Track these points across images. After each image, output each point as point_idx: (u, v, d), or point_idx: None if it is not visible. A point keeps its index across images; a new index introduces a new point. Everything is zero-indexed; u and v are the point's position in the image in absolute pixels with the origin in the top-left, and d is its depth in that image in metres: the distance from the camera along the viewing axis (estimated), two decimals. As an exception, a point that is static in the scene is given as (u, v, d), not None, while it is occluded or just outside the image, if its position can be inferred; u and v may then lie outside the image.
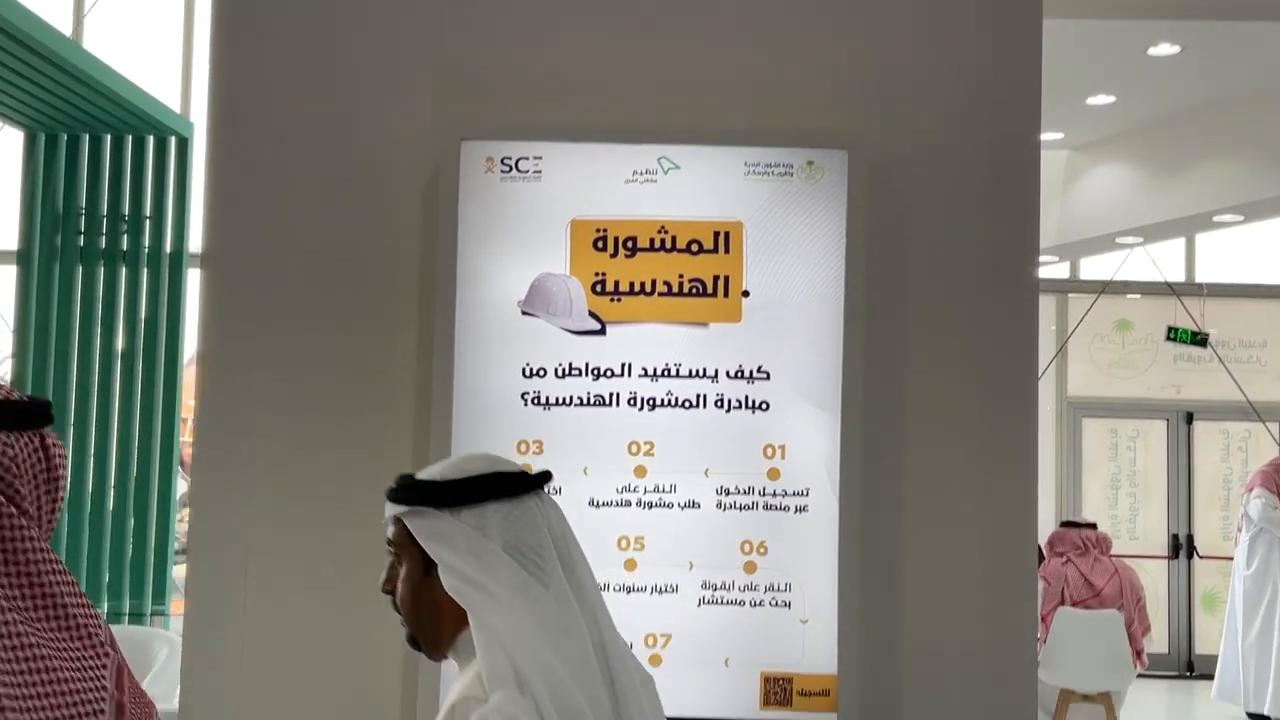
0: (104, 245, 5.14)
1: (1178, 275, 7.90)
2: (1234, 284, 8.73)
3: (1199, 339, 7.17)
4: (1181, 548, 8.08)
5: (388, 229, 2.14)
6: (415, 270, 2.13)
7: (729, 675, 1.99)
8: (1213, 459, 8.53)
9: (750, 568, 2.01)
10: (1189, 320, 7.26)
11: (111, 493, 4.59)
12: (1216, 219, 7.41)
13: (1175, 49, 5.62)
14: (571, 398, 2.03)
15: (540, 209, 2.04)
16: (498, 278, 2.03)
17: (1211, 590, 8.18)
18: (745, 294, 2.04)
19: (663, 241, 2.04)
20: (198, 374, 2.14)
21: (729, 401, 2.03)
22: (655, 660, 1.99)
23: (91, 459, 4.59)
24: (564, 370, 2.03)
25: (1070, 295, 7.98)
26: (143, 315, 4.85)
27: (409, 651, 1.25)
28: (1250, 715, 6.78)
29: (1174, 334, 7.10)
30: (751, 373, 2.03)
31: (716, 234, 2.04)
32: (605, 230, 2.03)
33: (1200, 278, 8.62)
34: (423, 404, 2.08)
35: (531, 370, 2.02)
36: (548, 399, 2.02)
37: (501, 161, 2.03)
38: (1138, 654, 4.75)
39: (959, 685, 2.10)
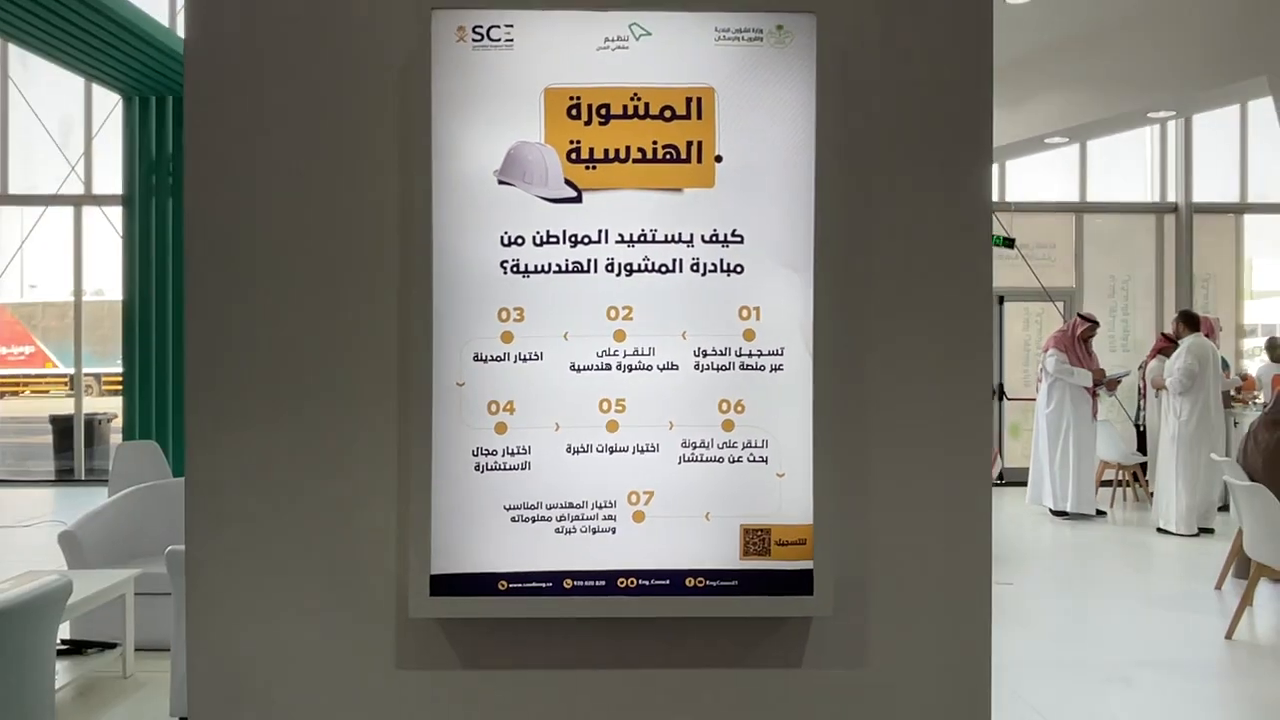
0: (187, 185, 6.47)
1: (994, 195, 11.31)
2: (1032, 201, 13.03)
3: (1008, 242, 10.13)
4: (994, 392, 11.52)
5: (362, 107, 2.15)
6: (393, 146, 2.15)
7: (709, 528, 2.08)
8: (1017, 329, 12.74)
9: (728, 426, 2.08)
10: (1001, 228, 10.42)
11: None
12: (1048, 140, 10.85)
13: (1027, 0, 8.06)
14: (550, 265, 2.07)
15: (513, 78, 2.05)
16: (473, 148, 2.05)
17: (1015, 422, 12.45)
18: (718, 159, 2.07)
19: (635, 108, 2.06)
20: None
21: (704, 265, 2.08)
22: (639, 517, 2.07)
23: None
24: (542, 238, 2.06)
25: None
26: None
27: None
28: (1053, 511, 9.81)
29: (991, 239, 10.33)
30: (726, 236, 2.07)
31: (689, 100, 2.06)
32: (579, 98, 2.05)
33: (1009, 197, 12.99)
34: (406, 277, 2.12)
35: (510, 239, 2.06)
36: (527, 267, 2.06)
37: (473, 30, 2.04)
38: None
39: (923, 530, 2.19)
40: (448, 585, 2.06)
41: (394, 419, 2.14)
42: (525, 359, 2.07)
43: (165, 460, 7.23)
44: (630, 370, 2.08)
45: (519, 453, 2.07)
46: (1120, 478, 10.71)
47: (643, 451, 2.08)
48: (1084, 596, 6.19)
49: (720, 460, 2.08)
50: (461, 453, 2.06)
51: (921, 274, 2.21)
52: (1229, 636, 5.40)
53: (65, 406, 13.99)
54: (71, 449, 13.32)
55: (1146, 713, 4.17)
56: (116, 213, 9.76)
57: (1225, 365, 10.03)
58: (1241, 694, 4.50)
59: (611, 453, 2.08)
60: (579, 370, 2.07)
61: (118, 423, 13.16)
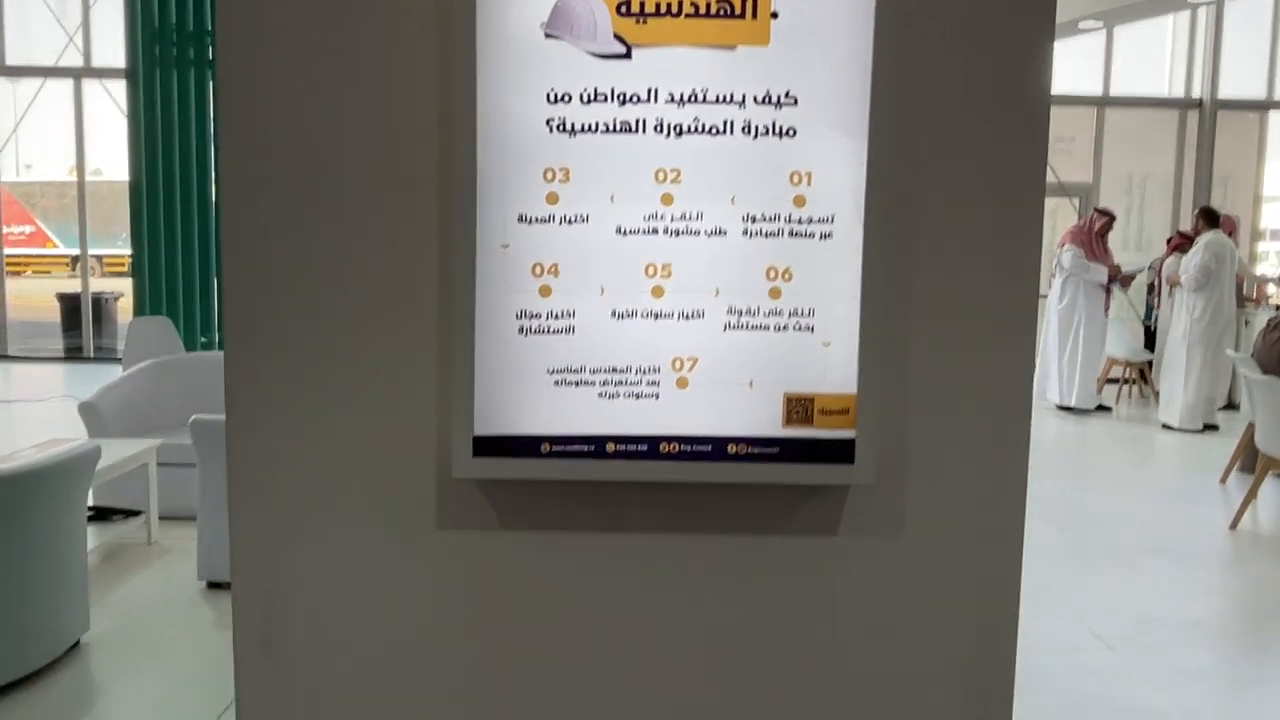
0: (193, 55, 6.67)
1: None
2: (1054, 94, 13.67)
3: None
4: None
5: (400, -46, 2.06)
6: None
7: (753, 396, 2.07)
8: (1033, 223, 12.66)
9: (775, 294, 2.06)
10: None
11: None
12: (1081, 25, 10.53)
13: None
14: (597, 124, 2.01)
15: (562, -76, 1.95)
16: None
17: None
18: (774, 15, 1.99)
19: (689, -40, 1.97)
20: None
21: (756, 128, 2.02)
22: (682, 383, 2.06)
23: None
24: (589, 96, 2.00)
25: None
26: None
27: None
28: (1058, 406, 9.76)
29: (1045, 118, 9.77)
30: (779, 98, 2.01)
31: (745, -49, 1.97)
32: (630, -53, 1.96)
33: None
34: (448, 135, 2.06)
35: (556, 96, 1.99)
36: (573, 126, 2.00)
37: None
38: None
39: (964, 404, 2.19)
40: (491, 447, 2.06)
41: (436, 281, 2.11)
42: (570, 221, 2.02)
43: (177, 335, 7.23)
44: (677, 235, 2.04)
45: (563, 316, 2.04)
46: (1126, 375, 10.75)
47: (687, 318, 2.05)
48: (1090, 488, 6.28)
49: (766, 328, 2.06)
50: (505, 316, 2.04)
51: (978, 148, 2.15)
52: (1233, 527, 5.50)
53: (69, 287, 13.96)
54: (79, 327, 13.33)
55: (1153, 596, 4.26)
56: (117, 87, 9.51)
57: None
58: (1244, 579, 4.60)
59: (656, 319, 2.05)
60: (625, 234, 2.03)
61: (123, 303, 13.16)
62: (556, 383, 2.06)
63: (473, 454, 2.06)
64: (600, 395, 2.06)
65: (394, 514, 2.18)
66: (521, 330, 2.04)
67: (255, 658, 2.21)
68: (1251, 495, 5.58)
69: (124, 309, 13.12)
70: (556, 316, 2.05)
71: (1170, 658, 3.56)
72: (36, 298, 17.28)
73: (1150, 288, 11.42)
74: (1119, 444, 7.84)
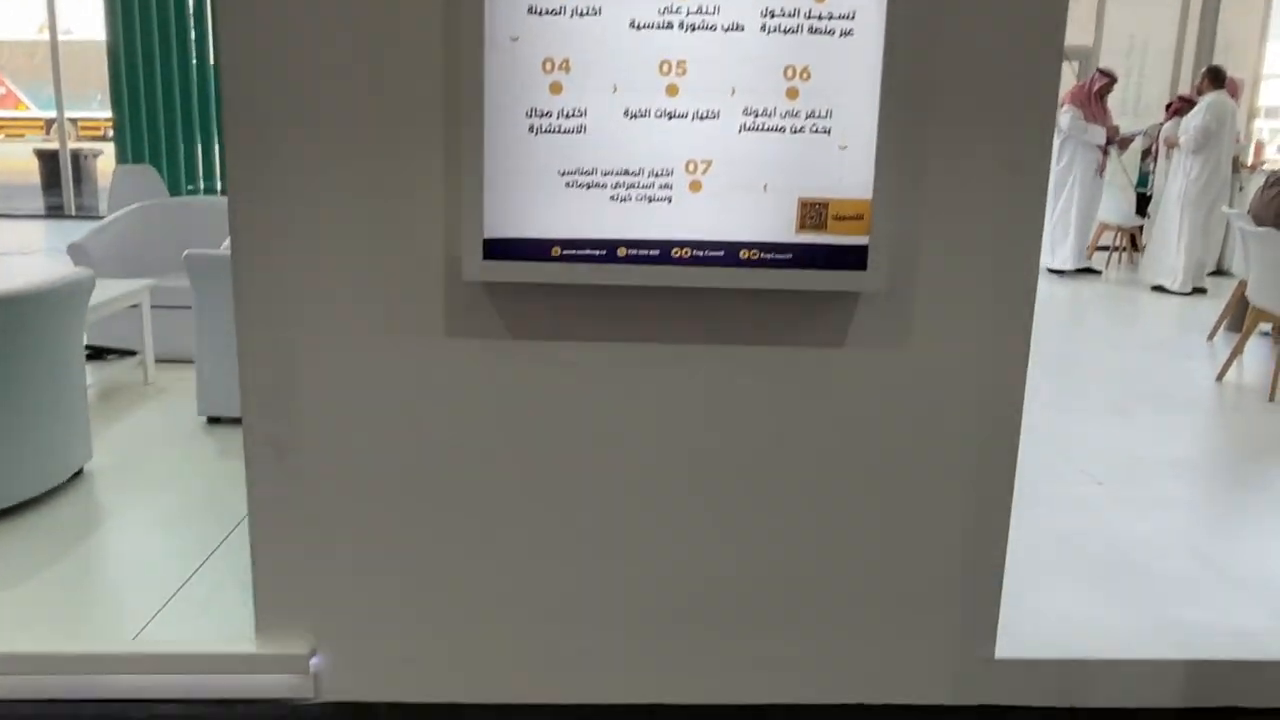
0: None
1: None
2: None
3: None
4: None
5: None
6: None
7: (766, 200, 2.04)
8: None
9: (792, 94, 2.00)
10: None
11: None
12: None
13: None
14: (612, -92, 1.91)
15: None
16: None
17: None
18: None
19: None
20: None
21: (777, -85, 1.93)
22: (695, 186, 2.03)
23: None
24: (604, -124, 1.90)
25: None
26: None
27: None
28: (1049, 269, 9.70)
29: None
30: (802, -118, 1.91)
31: None
32: None
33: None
34: (452, -81, 1.97)
35: (569, -124, 1.89)
36: (586, -91, 1.91)
37: None
38: None
39: (976, 216, 2.17)
40: (501, 250, 2.04)
41: (441, 76, 2.05)
42: (583, 13, 1.95)
43: (163, 183, 7.09)
44: (693, 30, 1.97)
45: (575, 115, 1.99)
46: (1117, 242, 10.73)
47: (702, 119, 2.01)
48: (1080, 343, 6.33)
49: (782, 130, 2.01)
50: (515, 113, 1.98)
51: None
52: (1219, 379, 5.58)
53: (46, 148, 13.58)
54: (59, 186, 13.05)
55: (1140, 438, 4.35)
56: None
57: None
58: (1226, 425, 4.70)
59: (670, 118, 2.00)
60: (639, 28, 1.96)
61: (103, 162, 12.84)
62: (568, 184, 2.02)
63: (483, 257, 2.04)
64: (612, 198, 2.03)
65: (403, 320, 2.16)
66: (532, 129, 1.99)
67: (266, 459, 2.23)
68: (1238, 349, 5.65)
69: (104, 170, 12.82)
70: (568, 115, 1.99)
71: (1154, 492, 3.66)
72: (11, 161, 16.84)
73: (1145, 153, 11.28)
74: (1109, 304, 7.89)
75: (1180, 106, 9.73)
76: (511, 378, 2.20)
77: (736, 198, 2.04)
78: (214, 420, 4.14)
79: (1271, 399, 5.18)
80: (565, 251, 2.04)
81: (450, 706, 2.36)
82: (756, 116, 2.00)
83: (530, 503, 2.27)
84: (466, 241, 2.03)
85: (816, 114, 2.01)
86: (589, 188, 2.02)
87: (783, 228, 2.05)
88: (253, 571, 2.30)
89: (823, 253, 2.06)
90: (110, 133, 10.13)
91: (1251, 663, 2.50)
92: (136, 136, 9.71)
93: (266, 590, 2.32)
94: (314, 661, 2.34)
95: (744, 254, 2.06)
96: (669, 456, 2.26)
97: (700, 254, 2.05)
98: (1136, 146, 11.27)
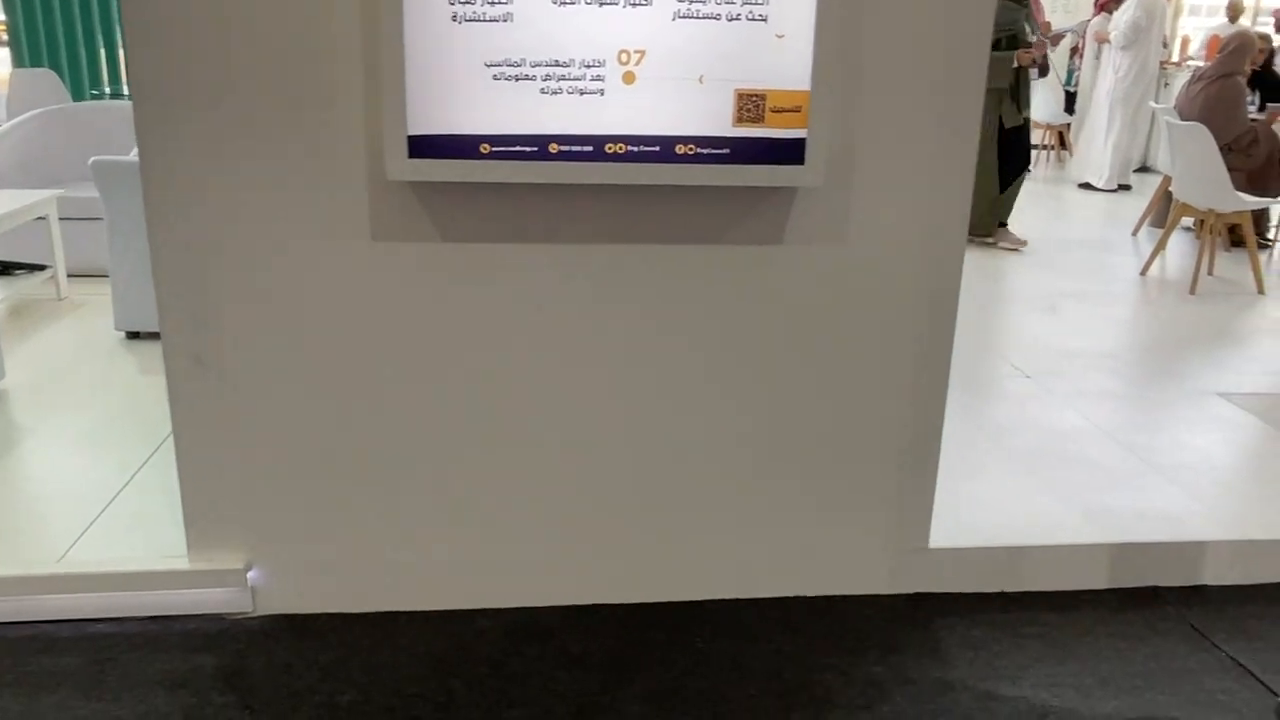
0: None
1: None
2: None
3: None
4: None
5: None
6: None
7: (702, 92, 1.97)
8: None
9: (727, -22, 1.93)
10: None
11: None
12: None
13: None
14: None
15: None
16: None
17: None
18: None
19: None
20: None
21: None
22: (629, 78, 1.95)
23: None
24: None
25: None
26: None
27: None
28: None
29: None
30: None
31: None
32: None
33: None
34: None
35: None
36: None
37: None
38: None
39: (914, 108, 2.13)
40: (427, 147, 1.95)
41: (357, -39, 1.92)
42: (506, -109, 1.84)
43: (65, 88, 6.70)
44: (623, -91, 1.87)
45: (500, 2, 1.89)
46: (1045, 140, 10.81)
47: (634, 5, 1.92)
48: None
49: (717, 18, 1.94)
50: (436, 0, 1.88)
51: None
52: (1143, 273, 5.71)
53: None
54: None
55: (1068, 333, 4.44)
56: None
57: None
58: (1150, 317, 4.83)
59: (601, 5, 1.91)
60: (566, -93, 1.86)
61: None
62: (495, 77, 1.93)
63: (408, 154, 1.95)
64: (542, 91, 1.94)
65: (327, 224, 2.07)
66: (455, 17, 1.89)
67: (189, 373, 2.14)
68: (1161, 245, 5.77)
69: (-1, 75, 12.09)
70: (492, 2, 1.89)
71: (1081, 384, 3.75)
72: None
73: (1073, 51, 11.31)
74: (1037, 201, 7.97)
75: (1109, 3, 9.75)
76: (442, 281, 2.13)
77: (671, 90, 1.97)
78: (133, 335, 3.99)
79: (1192, 292, 5.31)
80: (494, 149, 1.96)
81: (389, 615, 2.35)
82: (690, 3, 1.92)
83: (462, 408, 2.23)
84: (389, 138, 1.93)
85: (752, 0, 1.93)
86: (517, 80, 1.93)
87: (719, 121, 1.99)
88: (181, 487, 2.24)
89: (761, 147, 2.01)
90: (4, 36, 9.50)
91: (1172, 544, 2.59)
92: (33, 39, 9.13)
93: (196, 505, 2.26)
94: (250, 575, 2.31)
95: (680, 149, 2.00)
96: (603, 359, 2.23)
97: (635, 149, 1.99)
98: (1066, 44, 11.30)
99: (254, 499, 2.25)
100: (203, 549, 2.29)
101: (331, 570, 2.32)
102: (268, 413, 2.19)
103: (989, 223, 6.24)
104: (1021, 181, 6.31)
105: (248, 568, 2.30)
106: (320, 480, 2.25)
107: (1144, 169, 9.77)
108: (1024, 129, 6.26)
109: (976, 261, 5.79)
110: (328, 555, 2.31)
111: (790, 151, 2.02)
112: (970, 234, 5.96)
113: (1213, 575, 2.59)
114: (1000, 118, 6.11)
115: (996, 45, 6.07)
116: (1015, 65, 6.13)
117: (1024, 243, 6.22)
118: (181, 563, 2.30)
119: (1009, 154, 6.21)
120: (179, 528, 2.28)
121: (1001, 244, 6.21)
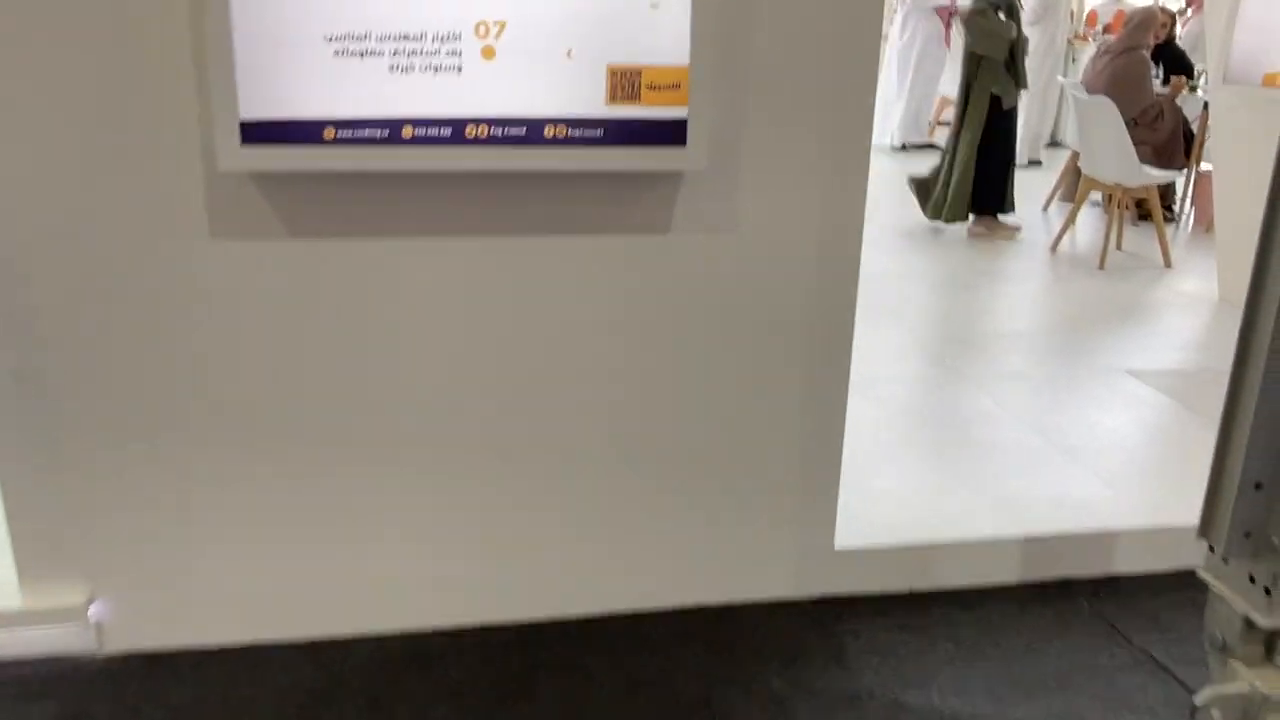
0: None
1: None
2: None
3: None
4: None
5: None
6: None
7: (571, 68, 1.79)
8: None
9: (593, -58, 1.75)
10: None
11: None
12: None
13: None
14: None
15: None
16: None
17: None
18: None
19: None
20: None
21: None
22: (488, 53, 1.76)
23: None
24: None
25: None
26: None
27: None
28: (893, 147, 9.71)
29: None
30: None
31: None
32: None
33: None
34: None
35: None
36: None
37: None
38: None
39: (805, 86, 1.98)
40: (265, 134, 1.74)
41: (173, -78, 1.70)
42: None
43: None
44: None
45: (338, -32, 1.69)
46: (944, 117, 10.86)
47: (492, -28, 1.73)
48: (917, 218, 6.34)
49: (585, -15, 1.76)
50: (265, -34, 1.67)
51: None
52: (1053, 249, 5.70)
53: None
54: None
55: (977, 311, 4.38)
56: None
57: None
58: (1060, 294, 4.81)
59: (454, -28, 1.72)
60: None
61: None
62: (337, 52, 1.72)
63: (240, 142, 1.73)
64: (392, 69, 1.74)
65: (158, 222, 1.85)
66: (288, -14, 1.68)
67: (8, 392, 1.91)
68: (1070, 219, 5.76)
69: None
70: (330, -32, 1.69)
71: (991, 367, 3.68)
72: None
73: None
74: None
75: (1016, -23, 9.76)
76: (290, 281, 1.93)
77: (537, 66, 1.78)
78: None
79: (1101, 267, 5.31)
80: (340, 134, 1.76)
81: (253, 647, 2.14)
82: (554, -31, 1.74)
83: (318, 419, 2.03)
84: (219, 125, 1.72)
85: (622, -34, 1.76)
86: (363, 56, 1.73)
87: (591, 100, 1.82)
88: (6, 516, 2.00)
89: (637, 128, 1.84)
90: None
91: (1084, 534, 2.51)
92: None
93: (26, 537, 2.02)
94: (93, 610, 2.08)
95: (549, 131, 1.82)
96: (475, 361, 2.05)
97: (499, 132, 1.80)
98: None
99: (93, 526, 2.03)
100: (36, 584, 2.06)
101: (186, 600, 2.11)
102: (101, 431, 1.96)
103: (958, 208, 5.87)
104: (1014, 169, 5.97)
105: (90, 602, 2.07)
106: (168, 501, 2.03)
107: (1054, 143, 9.84)
108: (1014, 110, 5.91)
109: (920, 246, 5.73)
110: (181, 584, 2.09)
111: (670, 132, 1.85)
112: (943, 218, 5.64)
113: (1125, 564, 2.52)
114: (994, 95, 5.75)
115: (989, 12, 5.74)
116: (1014, 35, 5.70)
117: (1018, 229, 5.95)
118: (13, 601, 2.06)
119: (1001, 137, 5.84)
120: (7, 561, 2.05)
121: (998, 235, 5.93)
